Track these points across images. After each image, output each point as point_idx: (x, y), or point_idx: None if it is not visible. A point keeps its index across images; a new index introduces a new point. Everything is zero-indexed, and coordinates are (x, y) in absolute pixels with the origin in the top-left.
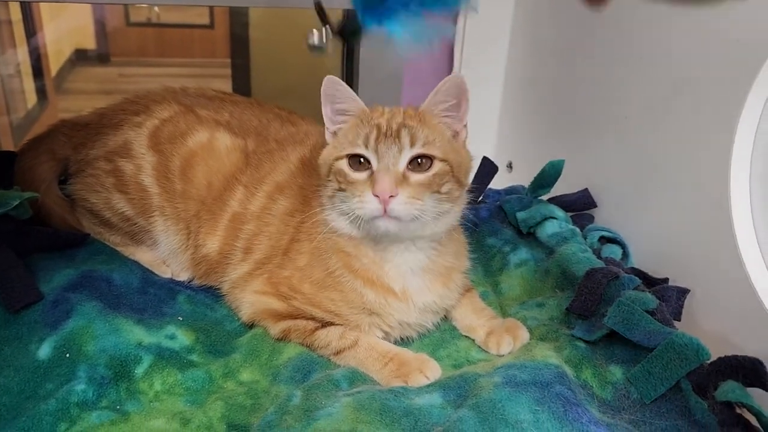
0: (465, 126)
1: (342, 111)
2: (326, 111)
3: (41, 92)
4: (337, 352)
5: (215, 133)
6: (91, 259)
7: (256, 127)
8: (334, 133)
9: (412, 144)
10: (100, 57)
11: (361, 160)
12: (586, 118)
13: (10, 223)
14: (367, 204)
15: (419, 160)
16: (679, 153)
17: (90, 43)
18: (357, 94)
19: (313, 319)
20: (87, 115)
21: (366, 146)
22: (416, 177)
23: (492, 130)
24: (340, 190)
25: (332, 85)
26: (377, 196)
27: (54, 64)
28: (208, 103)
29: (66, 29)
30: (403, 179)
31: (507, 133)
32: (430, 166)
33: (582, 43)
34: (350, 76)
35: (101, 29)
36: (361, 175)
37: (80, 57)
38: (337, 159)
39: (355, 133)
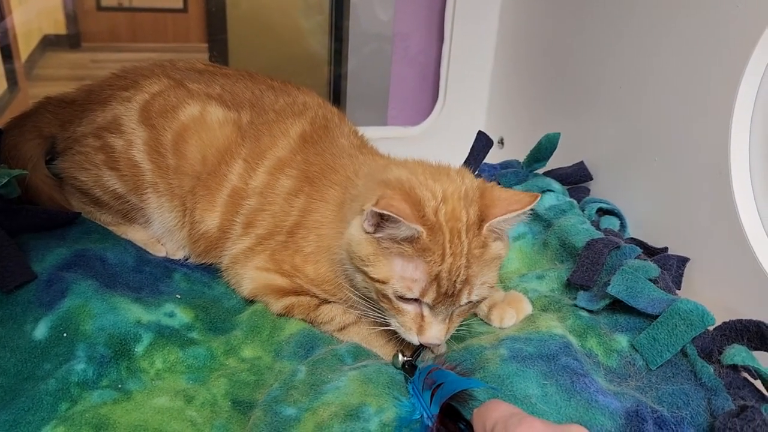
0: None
1: (392, 236)
2: (370, 220)
3: (11, 79)
4: (341, 328)
5: (207, 106)
6: (83, 238)
7: (250, 99)
8: (373, 232)
9: (470, 297)
10: (71, 42)
11: None
12: (579, 90)
13: None
14: (409, 336)
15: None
16: (677, 121)
17: (60, 29)
18: (347, 59)
19: (316, 296)
20: (73, 91)
21: (422, 296)
22: (459, 310)
23: (482, 105)
24: (378, 299)
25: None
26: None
27: (23, 50)
28: (198, 76)
29: (35, 14)
30: (450, 320)
31: (498, 108)
32: (479, 300)
33: (574, 14)
34: (339, 41)
35: (71, 14)
36: (408, 307)
37: (50, 42)
38: (378, 281)
39: (410, 273)
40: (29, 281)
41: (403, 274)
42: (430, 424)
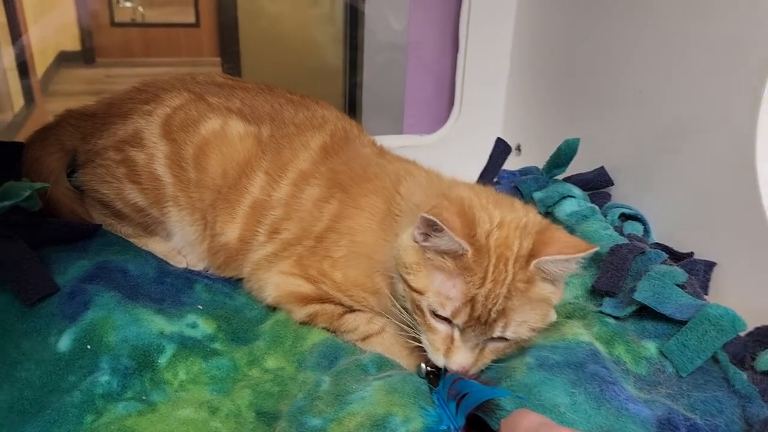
0: None
1: (437, 248)
2: (421, 228)
3: (28, 95)
4: (364, 338)
5: (227, 120)
6: (104, 250)
7: (269, 113)
8: (421, 241)
9: (504, 331)
10: (86, 58)
11: None
12: (598, 95)
13: (20, 216)
14: (435, 356)
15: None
16: (700, 123)
17: (75, 45)
18: (362, 69)
19: (341, 304)
20: (94, 104)
21: (454, 317)
22: (494, 345)
23: (498, 112)
24: (413, 310)
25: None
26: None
27: (39, 66)
28: (218, 90)
29: (51, 31)
30: (480, 351)
31: (514, 115)
32: (515, 339)
33: (591, 18)
34: (354, 51)
35: (86, 30)
36: (440, 326)
37: (66, 58)
38: (416, 291)
39: (447, 290)
40: (52, 294)
41: (440, 290)
42: None
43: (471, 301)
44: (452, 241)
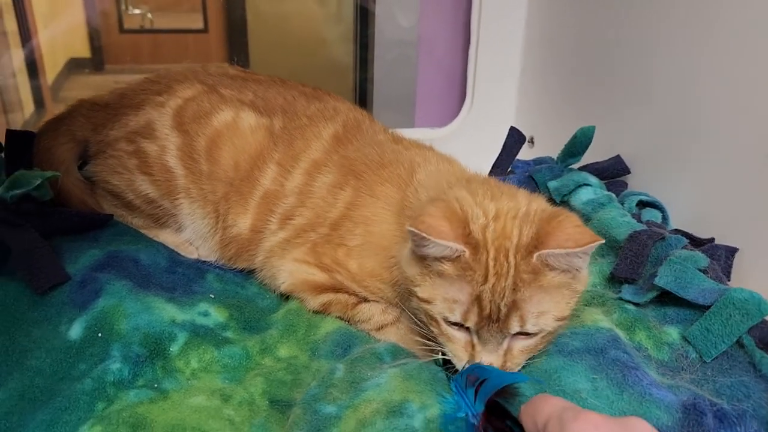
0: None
1: (433, 255)
2: (411, 240)
3: (38, 101)
4: (379, 328)
5: (240, 112)
6: (116, 240)
7: (282, 105)
8: (419, 252)
9: (522, 325)
10: (95, 65)
11: None
12: (613, 84)
13: (32, 205)
14: (461, 366)
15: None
16: (719, 107)
17: (84, 52)
18: (373, 66)
19: (355, 294)
20: (106, 95)
21: (464, 320)
22: (522, 344)
23: (511, 104)
24: (428, 323)
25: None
26: None
27: (50, 73)
28: (231, 82)
29: (60, 38)
30: (508, 350)
31: (527, 107)
32: (540, 332)
33: (605, 6)
34: (364, 49)
35: (95, 37)
36: (458, 334)
37: (75, 65)
38: (424, 301)
39: (452, 294)
40: (63, 282)
41: (446, 295)
42: (475, 423)
43: (477, 299)
44: (442, 247)
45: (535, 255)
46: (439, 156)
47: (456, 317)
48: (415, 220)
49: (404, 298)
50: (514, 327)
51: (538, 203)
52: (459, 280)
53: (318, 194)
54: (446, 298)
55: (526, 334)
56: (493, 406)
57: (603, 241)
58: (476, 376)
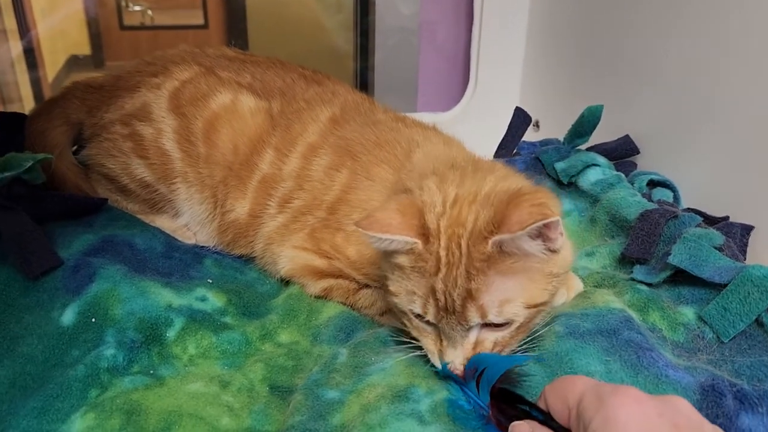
0: (561, 234)
1: (388, 249)
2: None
3: (39, 99)
4: (382, 313)
5: (238, 95)
6: (110, 225)
7: (281, 88)
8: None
9: (483, 316)
10: (95, 62)
11: None
12: (619, 63)
13: (23, 189)
14: (433, 359)
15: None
16: (731, 82)
17: (84, 49)
18: (374, 53)
19: (356, 281)
20: (101, 77)
21: (424, 313)
22: (494, 335)
23: (515, 87)
24: (401, 317)
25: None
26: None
27: (50, 71)
28: (229, 63)
29: (60, 36)
30: (477, 344)
31: (532, 89)
32: (511, 322)
33: None
34: (365, 37)
35: (95, 34)
36: (428, 327)
37: (75, 63)
38: (393, 294)
39: (411, 287)
40: (55, 267)
41: (407, 288)
42: (486, 414)
43: (432, 291)
44: (388, 240)
45: (490, 241)
46: (441, 135)
47: (417, 309)
48: (359, 220)
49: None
50: (474, 318)
51: (513, 181)
52: (414, 272)
53: (315, 177)
54: (408, 291)
55: (495, 325)
56: (501, 394)
57: (554, 219)
58: (475, 366)
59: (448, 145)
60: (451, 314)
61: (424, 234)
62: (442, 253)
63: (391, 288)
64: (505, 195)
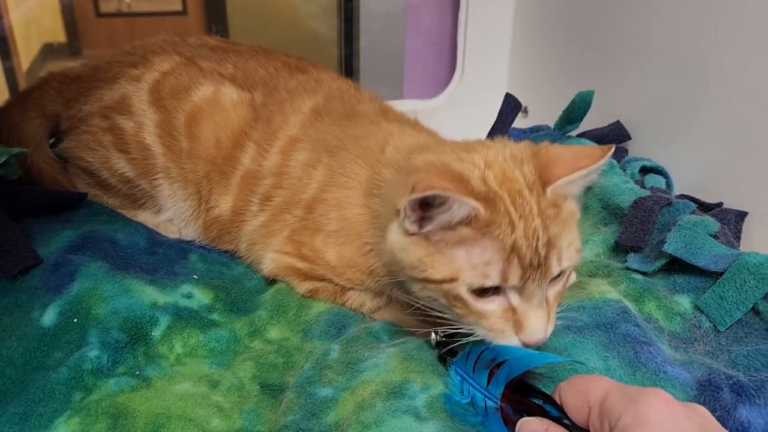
0: None
1: (446, 223)
2: (411, 215)
3: (13, 89)
4: (374, 311)
5: (220, 86)
6: (91, 220)
7: (263, 78)
8: (419, 228)
9: (560, 263)
10: (71, 50)
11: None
12: (610, 47)
13: None
14: (506, 340)
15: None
16: (725, 67)
17: (59, 37)
18: (358, 39)
19: (340, 285)
20: (78, 67)
21: (505, 280)
22: (555, 289)
23: (503, 72)
24: (450, 305)
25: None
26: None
27: (24, 59)
28: (211, 53)
29: (34, 23)
30: (547, 304)
31: (520, 75)
32: (566, 271)
33: None
34: (349, 23)
35: (70, 21)
36: (493, 305)
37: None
38: (445, 281)
39: (479, 257)
40: (34, 266)
41: (472, 261)
42: (493, 405)
43: (513, 249)
44: (460, 205)
45: (550, 188)
46: (422, 129)
47: (494, 281)
48: (417, 186)
49: (400, 288)
50: (555, 267)
51: (512, 144)
52: (481, 240)
53: (293, 174)
54: (474, 265)
55: (556, 277)
56: (511, 384)
57: (614, 147)
58: (494, 356)
59: (424, 137)
60: (536, 269)
61: (480, 197)
62: (512, 208)
63: (440, 276)
64: (529, 150)
